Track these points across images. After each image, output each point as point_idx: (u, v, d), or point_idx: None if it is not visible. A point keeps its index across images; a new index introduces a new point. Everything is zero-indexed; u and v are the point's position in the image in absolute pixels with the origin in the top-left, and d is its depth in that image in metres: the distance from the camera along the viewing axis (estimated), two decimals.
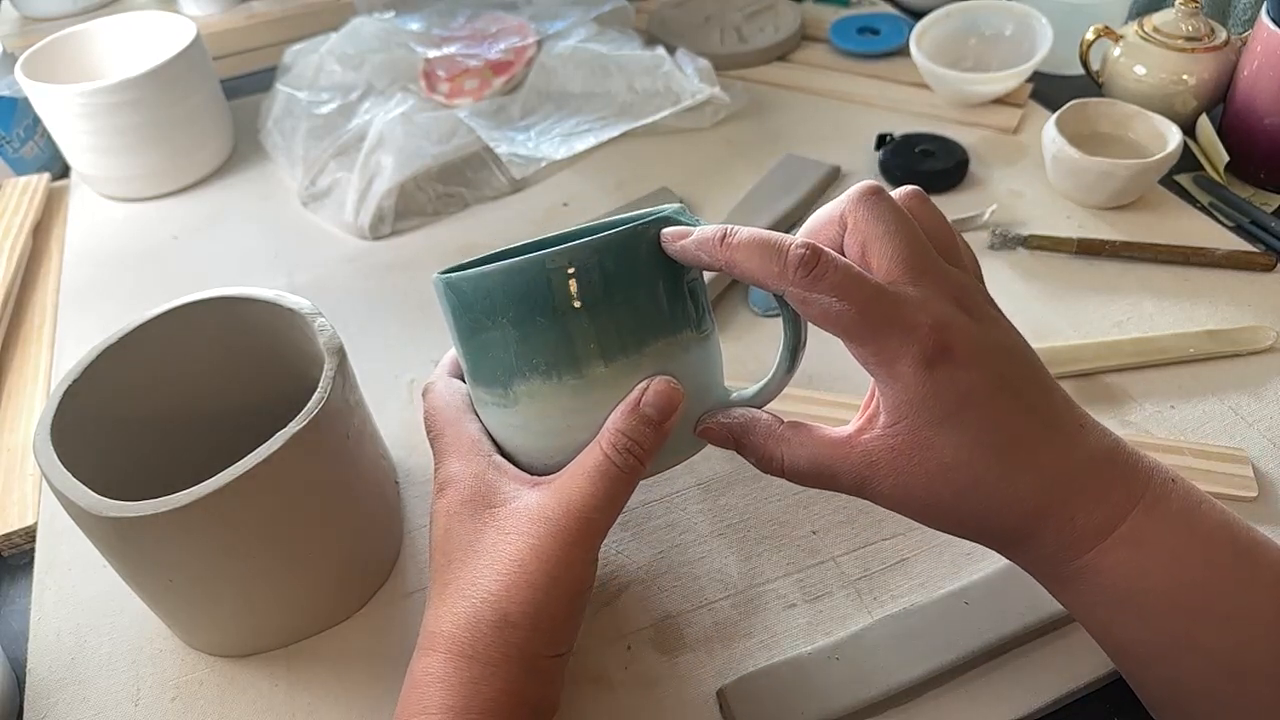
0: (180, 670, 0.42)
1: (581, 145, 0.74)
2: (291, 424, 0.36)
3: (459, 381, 0.38)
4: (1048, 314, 0.56)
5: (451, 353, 0.39)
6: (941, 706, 0.38)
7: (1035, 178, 0.67)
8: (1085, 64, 0.73)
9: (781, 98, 0.81)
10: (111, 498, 0.35)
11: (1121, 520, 0.30)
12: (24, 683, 0.43)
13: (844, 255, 0.31)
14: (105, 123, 0.70)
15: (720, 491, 0.47)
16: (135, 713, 0.41)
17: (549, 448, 0.34)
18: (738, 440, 0.34)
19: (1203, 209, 0.64)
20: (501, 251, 0.37)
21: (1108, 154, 0.61)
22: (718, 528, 0.46)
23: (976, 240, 0.62)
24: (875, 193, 0.31)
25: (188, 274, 0.68)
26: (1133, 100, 0.67)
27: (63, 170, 0.81)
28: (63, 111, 0.70)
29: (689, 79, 0.76)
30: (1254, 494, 0.44)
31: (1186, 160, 0.67)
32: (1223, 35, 0.68)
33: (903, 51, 0.79)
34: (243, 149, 0.81)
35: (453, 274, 0.33)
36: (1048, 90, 0.77)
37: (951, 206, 0.65)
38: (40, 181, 0.77)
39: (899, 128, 0.73)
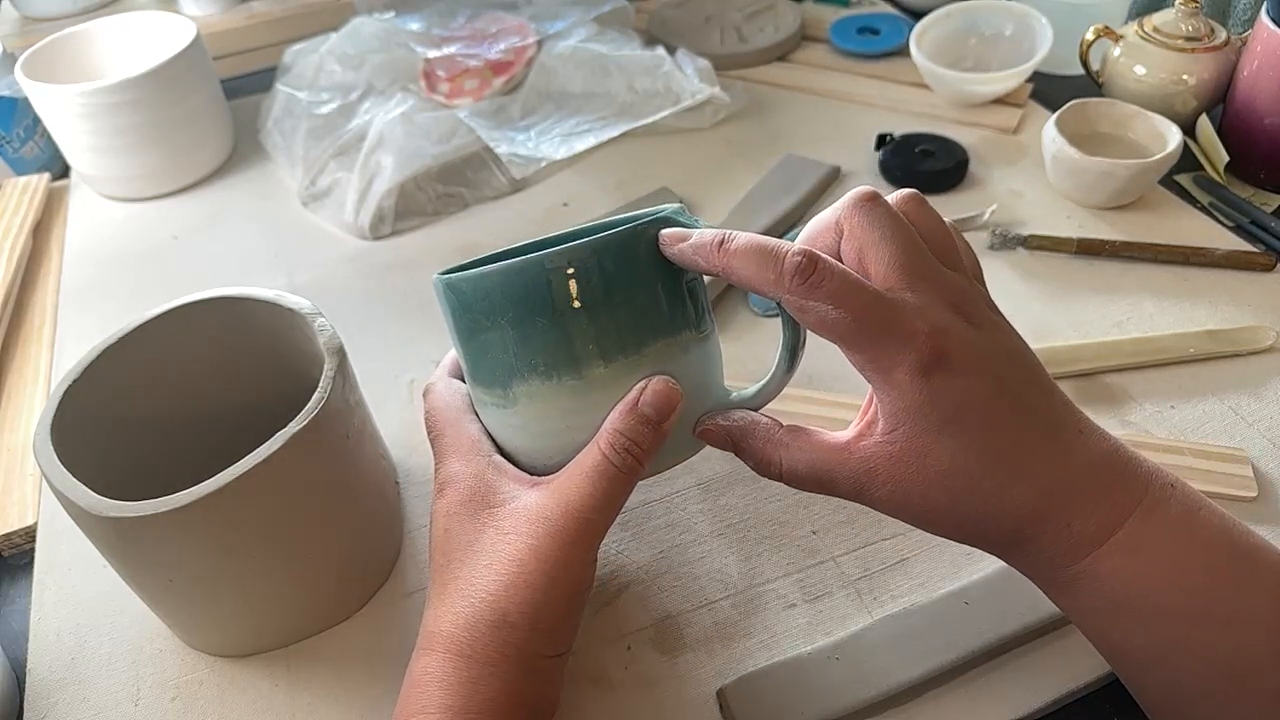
0: (180, 670, 0.42)
1: (581, 145, 0.74)
2: (291, 424, 0.36)
3: (459, 382, 0.38)
4: (1048, 314, 0.56)
5: (452, 353, 0.39)
6: (941, 706, 0.38)
7: (1035, 178, 0.67)
8: (1085, 64, 0.73)
9: (781, 98, 0.81)
10: (111, 498, 0.35)
11: (1119, 526, 0.30)
12: (24, 683, 0.43)
13: (841, 262, 0.31)
14: (105, 123, 0.70)
15: (720, 491, 0.47)
16: (135, 713, 0.41)
17: (548, 448, 0.34)
18: (736, 444, 0.34)
19: (1203, 209, 0.64)
20: (502, 252, 0.37)
21: (1108, 154, 0.61)
22: (718, 528, 0.46)
23: (976, 240, 0.62)
24: (871, 198, 0.31)
25: (188, 274, 0.68)
26: (1133, 100, 0.67)
27: (63, 170, 0.81)
28: (63, 111, 0.70)
29: (689, 79, 0.76)
30: (1254, 494, 0.44)
31: (1186, 160, 0.67)
32: (1223, 35, 0.68)
33: (903, 51, 0.79)
34: (243, 149, 0.81)
35: (452, 275, 0.33)
36: (1048, 90, 0.77)
37: (951, 207, 0.65)
38: (40, 181, 0.77)
39: (899, 128, 0.73)
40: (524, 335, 0.32)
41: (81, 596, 0.46)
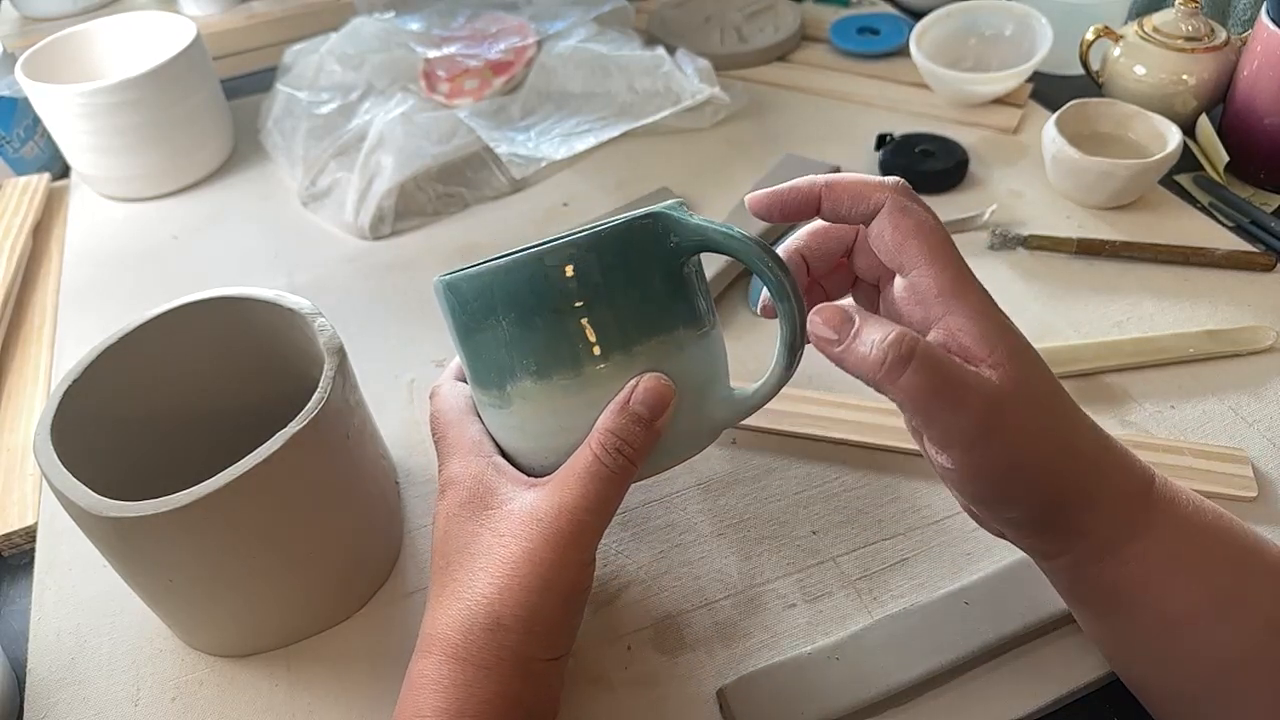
0: (180, 670, 0.42)
1: (581, 145, 0.74)
2: (291, 424, 0.36)
3: (464, 384, 0.38)
4: (1048, 314, 0.56)
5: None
6: (941, 706, 0.38)
7: (1035, 178, 0.67)
8: (1085, 64, 0.73)
9: (781, 98, 0.81)
10: (111, 498, 0.35)
11: (1140, 512, 0.31)
12: (24, 683, 0.43)
13: (870, 238, 0.32)
14: (105, 123, 0.70)
15: (720, 491, 0.47)
16: (135, 713, 0.41)
17: (545, 448, 0.34)
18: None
19: (1203, 209, 0.64)
20: (509, 253, 0.37)
21: (1108, 154, 0.61)
22: (718, 528, 0.46)
23: (976, 240, 0.62)
24: (914, 198, 0.32)
25: (188, 274, 0.68)
26: (1132, 100, 0.67)
27: (63, 170, 0.81)
28: (63, 111, 0.70)
29: (689, 79, 0.76)
30: (1254, 494, 0.44)
31: (1186, 160, 0.67)
32: (1222, 35, 0.68)
33: (903, 51, 0.79)
34: (243, 149, 0.81)
35: (450, 275, 0.33)
36: (1048, 90, 0.77)
37: (951, 207, 0.65)
38: (40, 181, 0.77)
39: (899, 128, 0.73)
40: (516, 334, 0.32)
41: (81, 596, 0.46)
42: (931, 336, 0.31)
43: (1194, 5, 0.67)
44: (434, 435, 0.37)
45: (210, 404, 0.47)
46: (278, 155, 0.77)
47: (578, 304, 0.31)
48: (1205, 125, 0.67)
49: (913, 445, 0.47)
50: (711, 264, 0.57)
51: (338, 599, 0.43)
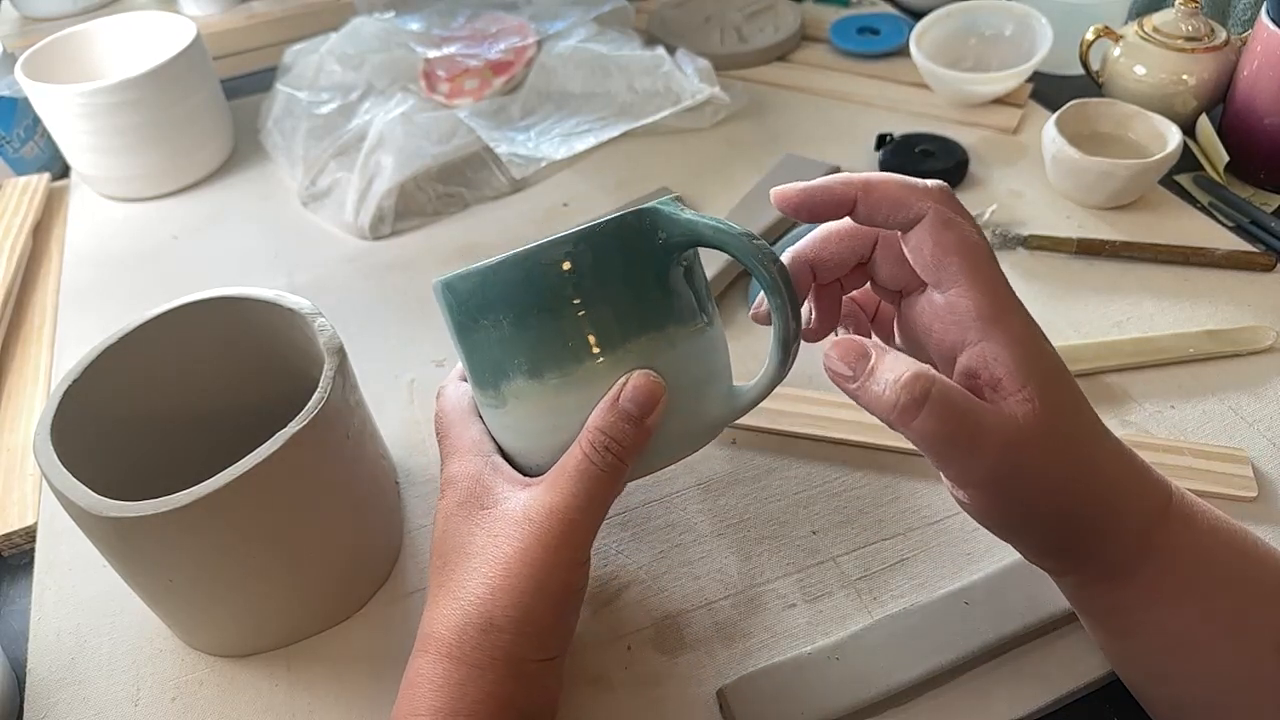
0: (180, 670, 0.42)
1: (581, 145, 0.74)
2: (291, 424, 0.36)
3: (467, 384, 0.38)
4: (1048, 314, 0.56)
5: None
6: (941, 706, 0.38)
7: (1035, 178, 0.67)
8: (1085, 64, 0.73)
9: (781, 98, 0.81)
10: (111, 498, 0.35)
11: (1157, 522, 0.31)
12: (24, 683, 0.43)
13: (907, 248, 0.31)
14: (105, 123, 0.70)
15: (720, 491, 0.47)
16: (135, 713, 0.41)
17: (540, 448, 0.34)
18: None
19: (1203, 209, 0.64)
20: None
21: (1108, 154, 0.61)
22: (718, 528, 0.46)
23: None
24: (959, 208, 0.31)
25: (188, 274, 0.68)
26: (1133, 100, 0.67)
27: (63, 170, 0.81)
28: (63, 111, 0.70)
29: (689, 79, 0.76)
30: (1254, 494, 0.44)
31: (1186, 160, 0.67)
32: (1222, 35, 0.68)
33: (903, 51, 0.79)
34: (243, 149, 0.81)
35: (447, 276, 0.33)
36: (1048, 90, 0.77)
37: None
38: (40, 181, 0.77)
39: (899, 128, 0.73)
40: (508, 334, 0.32)
41: (81, 596, 0.46)
42: (964, 359, 0.30)
43: (1194, 5, 0.67)
44: (437, 434, 0.37)
45: (210, 404, 0.47)
46: (278, 155, 0.77)
47: (567, 302, 0.31)
48: (1205, 125, 0.67)
49: (913, 445, 0.47)
50: (713, 263, 0.57)
51: (338, 599, 0.43)
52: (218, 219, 0.74)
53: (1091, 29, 0.71)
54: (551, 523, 0.31)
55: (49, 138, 0.79)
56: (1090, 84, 0.74)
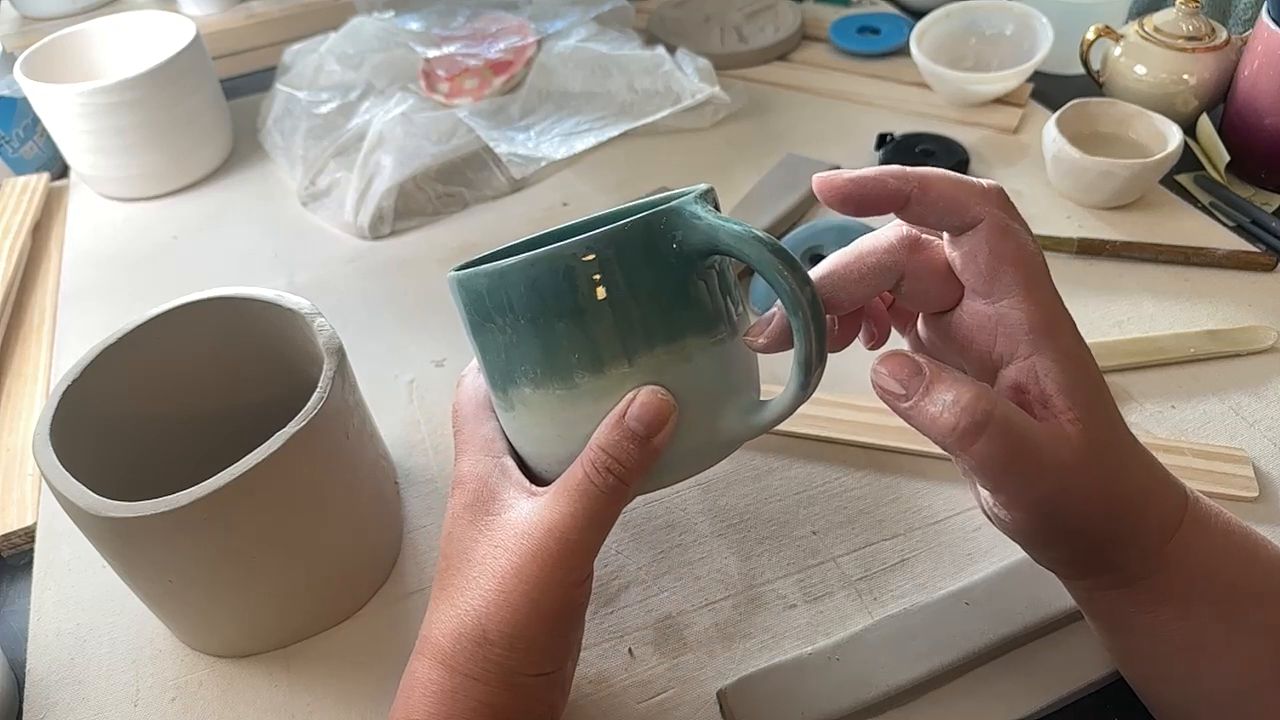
0: (180, 671, 0.42)
1: (581, 145, 0.74)
2: (291, 424, 0.36)
3: None
4: None
5: None
6: (941, 706, 0.38)
7: (1035, 177, 0.67)
8: (1086, 64, 0.73)
9: (781, 97, 0.81)
10: (111, 498, 0.35)
11: (1178, 525, 0.31)
12: (24, 683, 0.43)
13: (959, 253, 0.30)
14: (105, 123, 0.70)
15: (720, 492, 0.47)
16: (135, 713, 0.41)
17: (546, 455, 0.33)
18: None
19: (1203, 209, 0.64)
20: (525, 241, 0.35)
21: (1108, 154, 0.61)
22: (718, 528, 0.46)
23: None
24: (1015, 215, 0.30)
25: (187, 274, 0.68)
26: (1133, 100, 0.67)
27: (62, 170, 0.81)
28: (62, 111, 0.70)
29: (689, 79, 0.76)
30: (1255, 494, 0.44)
31: (1187, 160, 0.67)
32: (1223, 35, 0.68)
33: (903, 51, 0.79)
34: (242, 149, 0.81)
35: (462, 271, 0.32)
36: (1048, 90, 0.76)
37: None
38: (40, 181, 0.77)
39: (899, 127, 0.73)
40: (515, 339, 0.30)
41: (81, 596, 0.46)
42: (1011, 372, 0.30)
43: (1194, 5, 0.67)
44: (453, 427, 0.36)
45: (210, 404, 0.47)
46: (277, 155, 0.77)
47: (575, 310, 0.29)
48: (1206, 125, 0.67)
49: (913, 445, 0.47)
50: None
51: (338, 599, 0.43)
52: (217, 219, 0.73)
53: (1092, 29, 0.71)
54: (549, 541, 0.30)
55: (48, 137, 0.79)
56: (1091, 84, 0.74)
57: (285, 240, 0.70)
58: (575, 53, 0.78)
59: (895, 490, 0.47)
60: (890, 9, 0.90)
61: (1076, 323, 0.30)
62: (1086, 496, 0.29)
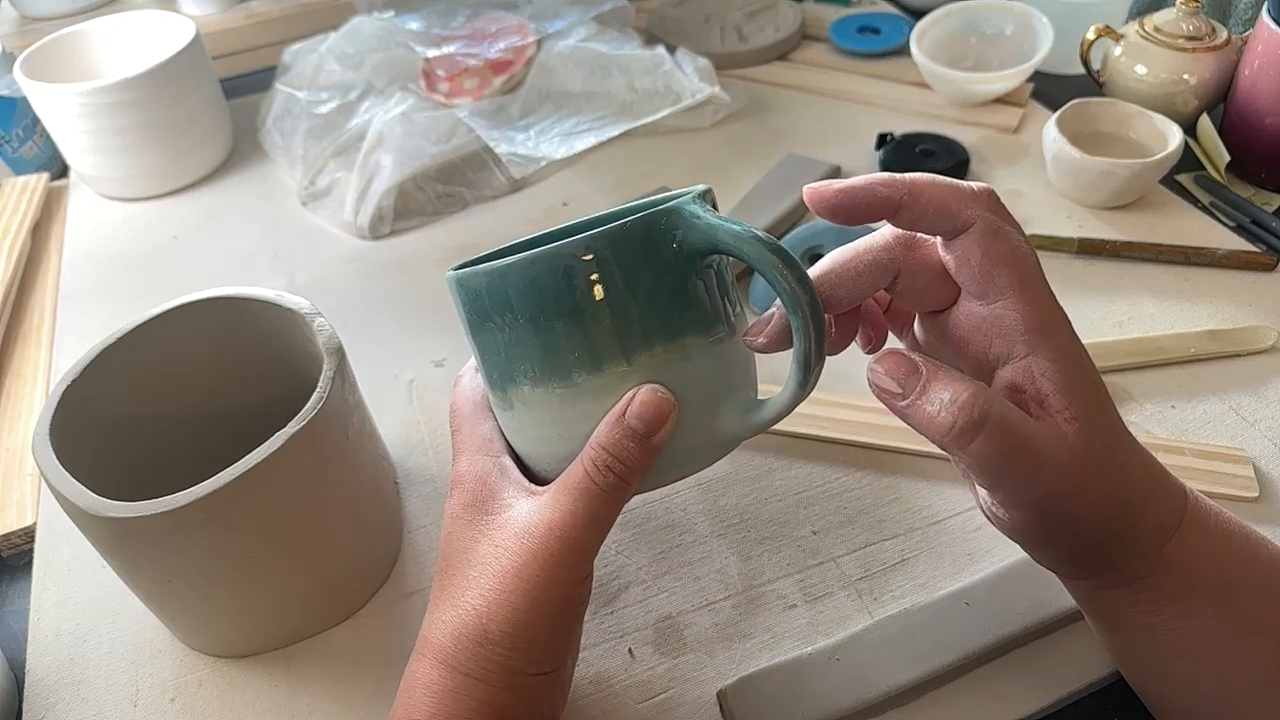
0: (179, 671, 0.42)
1: (581, 145, 0.74)
2: (291, 424, 0.36)
3: None
4: None
5: None
6: (941, 706, 0.38)
7: (1036, 177, 0.67)
8: (1086, 63, 0.73)
9: (781, 97, 0.81)
10: (111, 498, 0.35)
11: (1178, 523, 0.31)
12: (23, 683, 0.43)
13: (953, 257, 0.30)
14: (105, 123, 0.70)
15: (720, 492, 0.47)
16: (134, 713, 0.41)
17: (546, 454, 0.33)
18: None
19: (1203, 209, 0.64)
20: (525, 241, 0.35)
21: (1108, 153, 0.61)
22: (718, 528, 0.46)
23: None
24: (1008, 217, 0.30)
25: (187, 274, 0.68)
26: (1133, 100, 0.67)
27: (62, 170, 0.81)
28: (62, 111, 0.70)
29: (689, 78, 0.76)
30: (1255, 494, 0.44)
31: (1187, 160, 0.67)
32: (1223, 35, 0.68)
33: (903, 51, 0.79)
34: (242, 149, 0.81)
35: (461, 270, 0.32)
36: (1048, 90, 0.76)
37: None
38: (39, 181, 0.77)
39: (899, 127, 0.73)
40: (514, 339, 0.31)
41: (81, 597, 0.46)
42: (1008, 372, 0.30)
43: (1195, 5, 0.67)
44: (450, 426, 0.36)
45: (210, 404, 0.47)
46: (277, 155, 0.77)
47: (575, 309, 0.29)
48: (1206, 125, 0.67)
49: (913, 445, 0.47)
50: None
51: (338, 599, 0.43)
52: (217, 219, 0.73)
53: (1092, 28, 0.71)
54: (549, 540, 0.30)
55: (48, 137, 0.79)
56: (1091, 83, 0.74)
57: (285, 240, 0.70)
58: (575, 52, 0.78)
59: (895, 490, 0.47)
60: (890, 9, 0.90)
61: (1077, 323, 0.30)
62: (1084, 495, 0.29)
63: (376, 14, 0.85)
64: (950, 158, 0.67)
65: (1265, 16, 0.62)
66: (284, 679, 0.42)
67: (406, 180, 0.69)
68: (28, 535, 0.50)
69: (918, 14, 0.80)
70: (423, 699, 0.31)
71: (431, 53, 0.80)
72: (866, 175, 0.30)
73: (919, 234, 0.31)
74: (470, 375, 0.37)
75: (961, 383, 0.28)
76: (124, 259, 0.70)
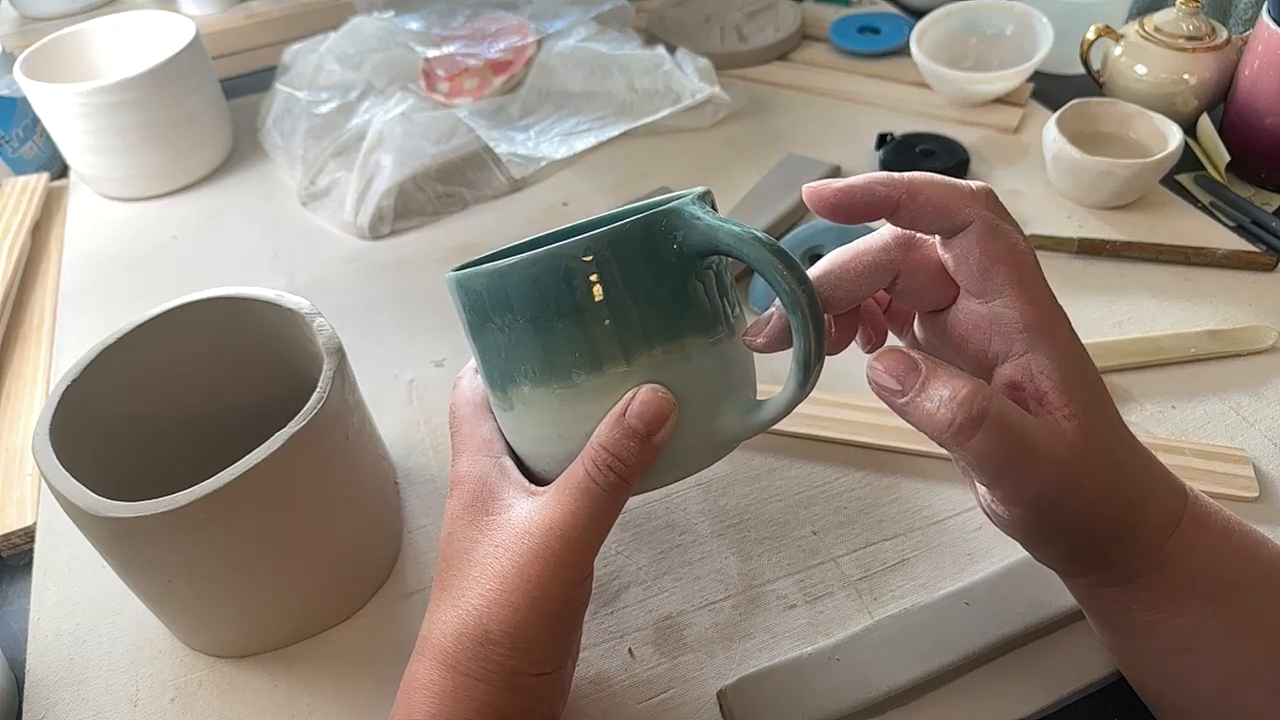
0: (179, 671, 0.42)
1: (581, 145, 0.74)
2: (291, 424, 0.36)
3: None
4: None
5: None
6: (941, 706, 0.38)
7: (1036, 177, 0.67)
8: (1086, 63, 0.73)
9: (781, 97, 0.81)
10: (111, 498, 0.35)
11: (1179, 519, 0.31)
12: (23, 683, 0.43)
13: (951, 255, 0.30)
14: (105, 123, 0.70)
15: (720, 492, 0.47)
16: (134, 713, 0.41)
17: (546, 455, 0.33)
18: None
19: (1203, 209, 0.64)
20: (527, 242, 0.35)
21: (1108, 153, 0.61)
22: (718, 528, 0.46)
23: None
24: (1006, 216, 0.30)
25: (187, 274, 0.68)
26: (1133, 100, 0.67)
27: (62, 170, 0.81)
28: (62, 111, 0.70)
29: (689, 78, 0.76)
30: (1255, 494, 0.44)
31: (1187, 160, 0.67)
32: (1223, 35, 0.68)
33: (903, 51, 0.79)
34: (242, 149, 0.81)
35: (460, 271, 0.32)
36: (1048, 90, 0.76)
37: None
38: (39, 181, 0.77)
39: (899, 127, 0.73)
40: (514, 339, 0.31)
41: (81, 597, 0.46)
42: (1007, 370, 0.30)
43: (1195, 5, 0.67)
44: (450, 427, 0.36)
45: (210, 404, 0.47)
46: (277, 155, 0.77)
47: (576, 309, 0.29)
48: (1206, 125, 0.67)
49: (913, 445, 0.47)
50: None
51: (338, 599, 0.43)
52: (217, 219, 0.73)
53: (1092, 28, 0.71)
54: (550, 540, 0.30)
55: (48, 137, 0.79)
56: (1091, 83, 0.74)
57: (285, 240, 0.70)
58: (575, 52, 0.78)
59: (895, 490, 0.47)
60: (890, 9, 0.90)
61: (1077, 323, 0.30)
62: (1084, 493, 0.29)
63: (376, 14, 0.85)
64: (950, 158, 0.67)
65: (1265, 16, 0.62)
66: (284, 679, 0.42)
67: (406, 180, 0.69)
68: (28, 535, 0.50)
69: (918, 14, 0.80)
70: (423, 699, 0.31)
71: (431, 53, 0.80)
72: (865, 174, 0.30)
73: (918, 234, 0.31)
74: (470, 376, 0.37)
75: (960, 379, 0.28)
76: (124, 259, 0.70)
